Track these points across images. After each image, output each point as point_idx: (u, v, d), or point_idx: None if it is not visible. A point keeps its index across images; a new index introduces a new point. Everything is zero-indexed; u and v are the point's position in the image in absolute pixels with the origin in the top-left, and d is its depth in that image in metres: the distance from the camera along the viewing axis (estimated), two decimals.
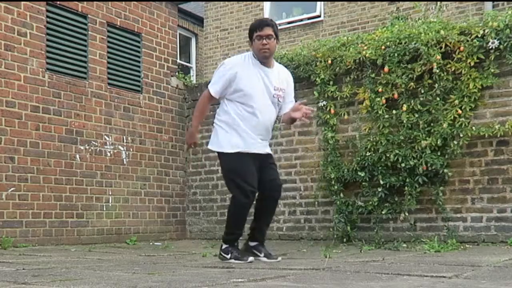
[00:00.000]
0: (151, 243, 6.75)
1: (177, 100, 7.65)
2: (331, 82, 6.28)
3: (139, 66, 7.19)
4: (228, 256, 4.16)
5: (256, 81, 4.17)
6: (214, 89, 4.32)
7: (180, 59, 12.10)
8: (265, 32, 4.13)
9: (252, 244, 4.31)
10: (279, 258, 4.22)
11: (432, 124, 5.68)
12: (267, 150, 4.27)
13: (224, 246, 4.24)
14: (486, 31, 5.43)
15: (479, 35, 5.45)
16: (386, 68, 5.84)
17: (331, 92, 6.27)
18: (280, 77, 4.29)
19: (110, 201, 6.70)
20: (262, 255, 4.21)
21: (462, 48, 5.50)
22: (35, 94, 6.00)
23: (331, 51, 6.29)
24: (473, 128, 5.51)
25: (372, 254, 4.72)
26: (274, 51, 4.24)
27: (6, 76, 5.76)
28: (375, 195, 5.91)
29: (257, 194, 4.21)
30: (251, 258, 4.10)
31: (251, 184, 4.11)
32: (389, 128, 5.89)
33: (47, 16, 6.17)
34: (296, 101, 4.35)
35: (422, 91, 5.73)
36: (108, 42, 6.81)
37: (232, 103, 4.23)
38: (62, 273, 3.28)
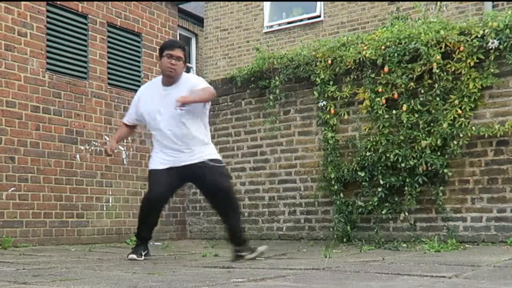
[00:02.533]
0: (151, 243, 6.73)
1: None
2: (331, 82, 6.28)
3: (139, 66, 7.19)
4: None
5: (153, 105, 4.38)
6: (125, 117, 4.74)
7: None
8: (176, 53, 4.31)
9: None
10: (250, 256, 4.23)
11: (432, 124, 5.69)
12: (192, 160, 4.32)
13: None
14: (486, 31, 5.43)
15: (479, 35, 5.45)
16: (386, 68, 5.85)
17: (331, 92, 6.27)
18: (183, 88, 4.29)
19: (110, 201, 6.71)
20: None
21: (462, 48, 5.51)
22: (35, 94, 6.01)
23: (331, 51, 6.29)
24: (473, 128, 5.51)
25: (372, 254, 4.72)
26: (180, 72, 4.36)
27: (6, 76, 5.76)
28: (375, 195, 5.91)
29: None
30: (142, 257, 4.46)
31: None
32: (389, 128, 5.89)
33: (47, 16, 6.18)
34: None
35: (422, 91, 5.73)
36: (108, 42, 6.81)
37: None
38: (62, 273, 3.28)
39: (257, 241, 6.58)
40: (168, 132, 4.32)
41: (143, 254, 4.52)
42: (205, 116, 4.47)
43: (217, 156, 4.45)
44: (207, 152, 4.37)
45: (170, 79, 4.36)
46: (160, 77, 4.49)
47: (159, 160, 4.40)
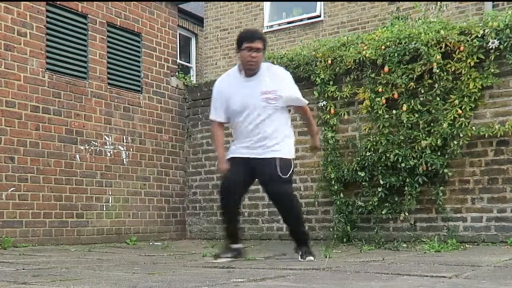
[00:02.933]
0: (151, 243, 6.75)
1: (177, 100, 7.65)
2: (331, 82, 6.28)
3: (139, 66, 7.19)
4: None
5: (238, 97, 4.26)
6: (212, 115, 4.49)
7: (180, 59, 12.11)
8: (256, 45, 4.18)
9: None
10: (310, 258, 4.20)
11: (432, 124, 5.68)
12: (264, 155, 4.23)
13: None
14: (486, 31, 5.43)
15: (479, 35, 5.45)
16: (386, 68, 5.84)
17: (331, 92, 6.27)
18: (267, 79, 4.26)
19: (110, 201, 6.70)
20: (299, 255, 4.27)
21: (462, 48, 5.50)
22: (35, 94, 6.00)
23: (331, 51, 6.28)
24: (473, 128, 5.51)
25: (372, 254, 4.72)
26: (260, 64, 4.26)
27: (6, 76, 5.76)
28: (375, 195, 5.91)
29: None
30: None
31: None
32: (389, 128, 5.89)
33: (47, 16, 6.17)
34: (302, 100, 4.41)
35: (422, 91, 5.73)
36: (108, 42, 6.81)
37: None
38: (62, 273, 3.28)
39: (257, 241, 6.59)
40: (250, 124, 4.23)
41: (230, 255, 4.31)
42: (287, 111, 4.40)
43: (289, 155, 4.30)
44: (280, 149, 4.24)
45: (251, 71, 4.25)
46: (235, 67, 4.37)
47: (237, 150, 4.32)
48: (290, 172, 4.24)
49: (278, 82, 4.26)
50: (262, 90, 4.20)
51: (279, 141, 4.24)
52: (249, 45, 4.16)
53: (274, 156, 4.19)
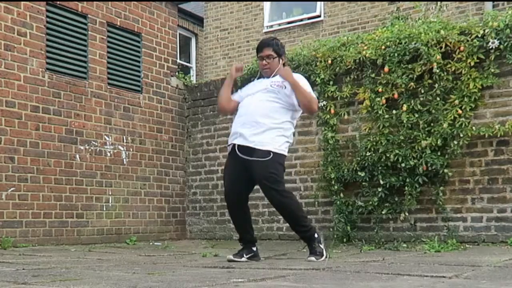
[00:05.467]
0: (151, 243, 6.75)
1: (177, 100, 7.65)
2: (331, 82, 6.28)
3: (139, 66, 7.19)
4: None
5: (255, 87, 4.43)
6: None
7: (180, 59, 12.11)
8: (264, 53, 4.37)
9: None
10: (322, 259, 4.18)
11: (432, 124, 5.68)
12: (248, 143, 4.19)
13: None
14: (486, 31, 5.42)
15: (479, 35, 5.45)
16: (386, 68, 5.84)
17: (331, 92, 6.26)
18: (281, 78, 4.35)
19: (110, 201, 6.70)
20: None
21: (462, 48, 5.50)
22: (35, 94, 6.00)
23: (331, 51, 6.28)
24: (473, 128, 5.51)
25: (372, 254, 4.72)
26: (276, 68, 4.36)
27: (6, 76, 5.76)
28: (375, 195, 5.91)
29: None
30: (243, 259, 4.24)
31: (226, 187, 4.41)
32: (389, 128, 5.89)
33: (47, 16, 6.17)
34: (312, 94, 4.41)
35: (422, 91, 5.73)
36: (108, 42, 6.81)
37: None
38: (62, 273, 3.28)
39: (257, 241, 6.58)
40: (250, 106, 4.29)
41: (245, 256, 4.28)
42: (294, 111, 4.37)
43: (277, 149, 4.20)
44: (266, 141, 4.18)
45: (267, 75, 4.43)
46: None
47: (231, 136, 4.36)
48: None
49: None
50: (272, 80, 4.34)
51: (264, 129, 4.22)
52: (260, 55, 4.40)
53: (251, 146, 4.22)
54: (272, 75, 4.38)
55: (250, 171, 4.21)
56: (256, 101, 4.29)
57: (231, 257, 4.24)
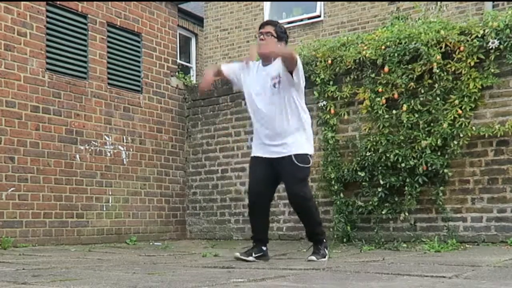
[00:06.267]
0: (151, 243, 6.75)
1: (177, 100, 7.65)
2: (331, 82, 6.28)
3: (139, 66, 7.19)
4: None
5: (251, 81, 4.39)
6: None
7: (180, 59, 12.11)
8: (264, 29, 4.31)
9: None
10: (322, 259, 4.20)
11: (432, 124, 5.68)
12: (279, 154, 4.24)
13: None
14: (486, 31, 5.42)
15: (479, 35, 5.45)
16: (386, 68, 5.84)
17: (331, 92, 6.27)
18: (277, 64, 4.26)
19: (110, 201, 6.70)
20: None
21: (462, 48, 5.50)
22: (35, 94, 6.00)
23: (331, 51, 6.28)
24: (473, 128, 5.51)
25: (372, 254, 4.72)
26: (272, 48, 4.21)
27: (6, 76, 5.76)
28: (375, 195, 5.91)
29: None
30: (250, 258, 4.21)
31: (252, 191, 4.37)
32: (389, 128, 5.89)
33: (47, 16, 6.17)
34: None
35: (422, 91, 5.73)
36: (108, 42, 6.81)
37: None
38: (62, 273, 3.28)
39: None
40: (263, 113, 4.27)
41: (254, 255, 4.28)
42: (300, 93, 4.30)
43: (305, 150, 4.25)
44: (294, 144, 4.21)
45: (265, 58, 4.33)
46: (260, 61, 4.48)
47: (255, 147, 4.39)
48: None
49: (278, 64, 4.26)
50: (272, 75, 4.27)
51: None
52: (260, 31, 4.34)
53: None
54: (267, 58, 4.28)
55: (277, 170, 4.24)
56: (267, 110, 4.24)
57: (238, 254, 4.24)
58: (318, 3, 10.96)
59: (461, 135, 5.53)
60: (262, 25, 4.37)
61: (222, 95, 7.30)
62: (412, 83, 5.74)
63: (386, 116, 5.88)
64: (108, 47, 6.81)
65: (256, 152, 4.38)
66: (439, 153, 5.64)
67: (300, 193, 4.23)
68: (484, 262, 3.70)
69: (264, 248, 4.37)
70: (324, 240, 4.40)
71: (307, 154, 4.25)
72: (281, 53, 4.13)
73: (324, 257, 4.26)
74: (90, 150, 6.51)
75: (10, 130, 5.76)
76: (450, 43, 5.55)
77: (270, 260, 4.31)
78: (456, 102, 5.55)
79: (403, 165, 5.71)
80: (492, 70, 5.44)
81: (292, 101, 4.24)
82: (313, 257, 4.19)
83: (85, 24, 6.56)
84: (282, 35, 4.33)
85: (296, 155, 4.19)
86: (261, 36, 4.30)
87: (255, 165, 4.38)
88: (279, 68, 4.22)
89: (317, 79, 6.32)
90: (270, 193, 4.45)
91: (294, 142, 4.22)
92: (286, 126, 4.23)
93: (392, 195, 5.89)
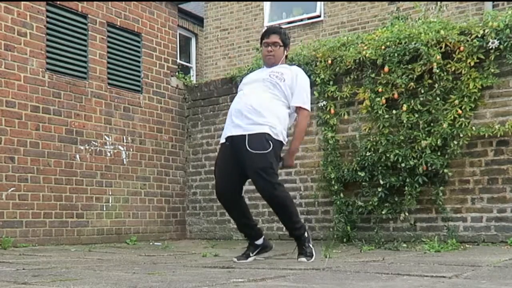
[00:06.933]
0: (151, 243, 6.75)
1: (177, 100, 7.65)
2: (331, 82, 6.28)
3: (139, 66, 7.19)
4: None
5: (253, 76, 4.35)
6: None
7: (180, 59, 12.11)
8: (271, 39, 4.25)
9: None
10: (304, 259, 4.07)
11: (432, 124, 5.68)
12: (242, 131, 4.02)
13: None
14: (486, 31, 5.42)
15: (479, 35, 5.45)
16: (386, 68, 5.84)
17: (331, 92, 6.27)
18: (281, 70, 4.23)
19: (110, 201, 6.70)
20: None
21: (462, 48, 5.50)
22: (35, 94, 6.00)
23: (331, 51, 6.28)
24: (473, 128, 5.51)
25: (372, 254, 4.72)
26: (280, 58, 4.26)
27: (6, 76, 5.76)
28: (375, 195, 5.91)
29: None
30: (250, 259, 4.17)
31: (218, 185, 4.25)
32: (389, 128, 5.89)
33: (47, 16, 6.17)
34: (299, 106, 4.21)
35: (422, 91, 5.73)
36: (108, 42, 6.81)
37: None
38: (62, 273, 3.28)
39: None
40: (244, 97, 4.16)
41: (252, 255, 4.21)
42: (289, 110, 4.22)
43: (274, 134, 4.03)
44: (262, 128, 4.00)
45: (271, 66, 4.29)
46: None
47: (224, 131, 4.23)
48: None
49: (291, 76, 4.20)
50: (272, 71, 4.22)
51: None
52: (266, 41, 4.26)
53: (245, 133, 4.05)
54: (274, 64, 4.26)
55: (242, 163, 4.03)
56: (251, 91, 4.15)
57: (235, 259, 4.12)
58: (318, 3, 10.97)
59: (461, 135, 5.53)
60: (267, 35, 4.28)
61: (222, 95, 7.30)
62: (412, 83, 5.74)
63: (386, 116, 5.88)
64: (108, 47, 6.81)
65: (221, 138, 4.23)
66: (439, 153, 5.64)
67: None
68: (484, 262, 3.70)
69: (259, 243, 4.29)
70: (306, 235, 4.17)
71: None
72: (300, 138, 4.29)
73: (312, 256, 4.08)
74: (90, 150, 6.51)
75: (10, 130, 5.76)
76: (450, 43, 5.55)
77: (270, 260, 4.31)
78: (456, 102, 5.55)
79: (403, 165, 5.72)
80: (492, 70, 5.44)
81: (282, 93, 4.16)
82: (303, 259, 4.02)
83: (85, 24, 6.56)
84: (287, 41, 4.32)
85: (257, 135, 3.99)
86: (269, 48, 4.24)
87: (218, 154, 4.29)
88: (289, 82, 4.15)
89: (317, 79, 6.32)
90: (236, 186, 4.23)
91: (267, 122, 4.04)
92: (262, 103, 4.06)
93: (392, 195, 5.89)
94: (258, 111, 4.04)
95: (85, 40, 6.55)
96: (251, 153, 3.96)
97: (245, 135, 4.01)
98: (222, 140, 4.21)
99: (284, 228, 4.36)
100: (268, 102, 4.10)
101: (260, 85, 4.18)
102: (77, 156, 6.38)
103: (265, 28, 11.32)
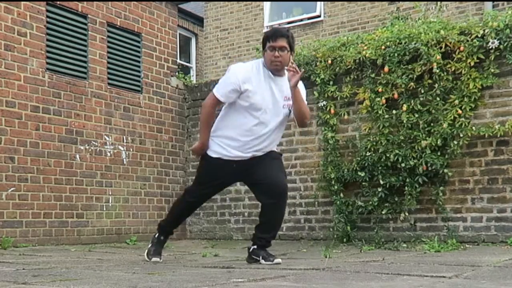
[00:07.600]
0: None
1: (177, 100, 7.65)
2: (331, 82, 6.28)
3: (139, 66, 7.19)
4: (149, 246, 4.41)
5: (268, 96, 3.95)
6: (220, 92, 4.00)
7: (180, 59, 12.11)
8: (278, 44, 3.86)
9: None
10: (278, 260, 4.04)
11: (432, 124, 5.69)
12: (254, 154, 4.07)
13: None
14: (486, 31, 5.42)
15: (479, 35, 5.45)
16: (386, 68, 5.84)
17: (331, 92, 6.27)
18: (287, 83, 3.99)
19: (110, 201, 6.70)
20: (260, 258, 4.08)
21: (462, 48, 5.50)
22: (35, 94, 6.00)
23: (331, 51, 6.28)
24: (473, 128, 5.51)
25: (372, 254, 4.72)
26: (287, 64, 3.91)
27: (6, 76, 5.76)
28: (375, 195, 5.91)
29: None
30: (154, 259, 4.26)
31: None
32: (389, 128, 5.89)
33: (47, 16, 6.17)
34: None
35: (422, 91, 5.73)
36: (108, 42, 6.81)
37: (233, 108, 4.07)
38: (62, 273, 3.28)
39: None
40: (265, 128, 3.98)
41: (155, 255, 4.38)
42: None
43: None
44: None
45: (277, 72, 3.95)
46: (259, 61, 4.03)
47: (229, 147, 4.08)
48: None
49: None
50: (285, 95, 3.98)
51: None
52: (272, 45, 3.86)
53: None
54: (280, 72, 3.94)
55: (251, 171, 4.04)
56: (271, 127, 3.99)
57: (145, 257, 4.31)
58: (318, 3, 10.97)
59: (461, 135, 5.53)
60: (274, 38, 3.88)
61: None
62: (412, 83, 5.74)
63: (386, 116, 5.88)
64: (108, 47, 6.81)
65: (228, 153, 4.08)
66: (439, 153, 5.64)
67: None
68: (484, 262, 3.70)
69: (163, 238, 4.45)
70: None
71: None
72: (302, 101, 4.00)
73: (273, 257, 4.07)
74: (90, 150, 6.51)
75: (10, 130, 5.76)
76: (450, 43, 5.55)
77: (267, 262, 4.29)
78: (456, 102, 5.55)
79: (403, 165, 5.72)
80: (492, 70, 5.44)
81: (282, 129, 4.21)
82: (279, 260, 4.04)
83: (85, 24, 6.56)
84: (293, 44, 4.02)
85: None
86: (275, 53, 3.85)
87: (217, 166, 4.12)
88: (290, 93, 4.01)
89: (317, 79, 6.32)
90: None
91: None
92: (272, 141, 4.10)
93: (392, 195, 5.89)
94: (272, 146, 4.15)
95: (85, 40, 6.55)
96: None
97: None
98: (227, 157, 4.08)
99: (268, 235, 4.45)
100: (272, 145, 4.16)
101: (279, 120, 4.02)
102: (77, 156, 6.38)
103: (266, 28, 11.36)
